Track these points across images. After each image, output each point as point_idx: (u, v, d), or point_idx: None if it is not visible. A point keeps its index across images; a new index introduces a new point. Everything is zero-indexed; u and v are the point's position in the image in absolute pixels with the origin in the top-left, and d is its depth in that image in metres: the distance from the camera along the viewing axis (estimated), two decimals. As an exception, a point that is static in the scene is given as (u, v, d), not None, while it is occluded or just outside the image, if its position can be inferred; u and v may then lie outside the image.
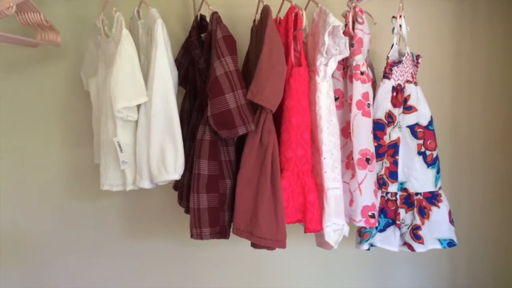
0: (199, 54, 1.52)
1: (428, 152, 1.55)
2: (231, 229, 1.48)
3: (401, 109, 1.53)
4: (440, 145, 1.59)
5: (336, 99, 1.49)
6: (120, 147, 1.45)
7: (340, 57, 1.40)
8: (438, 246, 1.57)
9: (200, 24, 1.60)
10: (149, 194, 1.76)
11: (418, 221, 1.54)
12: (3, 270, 1.96)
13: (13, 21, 1.53)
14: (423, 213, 1.55)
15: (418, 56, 1.56)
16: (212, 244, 1.55)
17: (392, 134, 1.53)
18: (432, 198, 1.56)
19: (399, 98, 1.52)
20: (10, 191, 1.93)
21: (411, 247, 1.56)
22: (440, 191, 1.58)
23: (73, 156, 1.90)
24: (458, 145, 1.92)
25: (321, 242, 1.49)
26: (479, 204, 1.96)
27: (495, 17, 1.86)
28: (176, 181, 1.68)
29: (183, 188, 1.60)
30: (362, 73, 1.45)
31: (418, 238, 1.54)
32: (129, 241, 1.97)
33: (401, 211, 1.57)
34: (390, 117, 1.52)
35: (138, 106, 1.45)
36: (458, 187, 1.93)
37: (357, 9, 1.49)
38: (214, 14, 1.43)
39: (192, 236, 1.44)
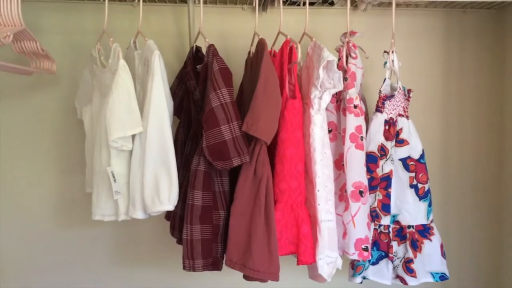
0: (195, 85, 1.53)
1: (420, 185, 1.56)
2: (223, 261, 1.47)
3: (393, 142, 1.55)
4: (431, 178, 1.60)
5: (329, 131, 1.51)
6: (113, 177, 1.44)
7: (334, 91, 1.42)
8: (430, 279, 1.57)
9: (195, 55, 1.62)
10: (141, 224, 1.74)
11: (410, 254, 1.54)
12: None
13: (6, 49, 1.53)
14: (416, 246, 1.55)
15: (409, 91, 1.59)
16: (204, 275, 1.53)
17: (384, 167, 1.54)
18: (424, 231, 1.57)
19: (392, 131, 1.54)
20: (0, 218, 1.89)
21: (403, 280, 1.56)
22: (432, 224, 1.58)
23: (65, 184, 1.89)
24: (448, 177, 1.95)
25: (314, 275, 1.48)
26: (469, 237, 1.97)
27: (482, 51, 1.92)
28: (169, 211, 1.67)
29: (176, 219, 1.59)
30: (355, 107, 1.47)
31: (410, 271, 1.54)
32: (120, 270, 1.94)
33: (394, 244, 1.57)
34: (382, 150, 1.53)
35: (133, 136, 1.44)
36: (448, 220, 1.94)
37: (350, 44, 1.52)
38: (211, 47, 1.45)
39: (184, 267, 1.42)
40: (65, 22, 1.83)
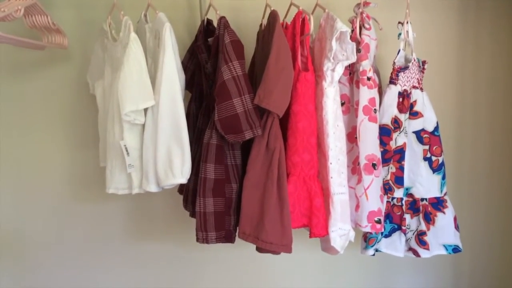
0: (206, 59, 1.53)
1: (434, 158, 1.55)
2: (236, 233, 1.49)
3: (407, 115, 1.53)
4: (445, 151, 1.59)
5: (342, 104, 1.50)
6: (127, 150, 1.45)
7: (347, 63, 1.40)
8: (443, 251, 1.57)
9: (206, 29, 1.60)
10: (154, 197, 1.76)
11: (423, 226, 1.55)
12: (3, 270, 1.96)
13: (19, 24, 1.52)
14: (429, 219, 1.55)
15: (424, 62, 1.56)
16: (217, 247, 1.55)
17: (398, 139, 1.53)
18: (438, 204, 1.57)
19: (405, 103, 1.52)
20: (16, 193, 1.93)
21: (416, 253, 1.56)
22: (446, 197, 1.58)
23: (79, 158, 1.91)
24: (462, 150, 1.93)
25: (327, 247, 1.49)
26: (483, 210, 1.96)
27: (498, 22, 1.87)
28: (182, 185, 1.68)
29: (189, 192, 1.60)
30: (368, 79, 1.45)
31: (423, 243, 1.54)
32: (133, 244, 1.97)
33: (407, 217, 1.57)
34: (396, 122, 1.52)
35: (145, 110, 1.45)
36: (462, 193, 1.93)
37: (364, 15, 1.49)
38: (222, 19, 1.44)
39: (198, 240, 1.44)
40: (75, -4, 1.82)
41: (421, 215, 1.56)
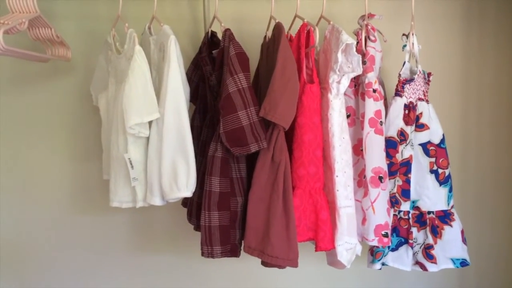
0: (210, 71, 1.52)
1: (440, 171, 1.54)
2: (242, 247, 1.47)
3: (413, 127, 1.52)
4: (450, 162, 1.57)
5: (348, 116, 1.49)
6: (131, 163, 1.43)
7: (352, 75, 1.39)
8: (451, 265, 1.55)
9: (211, 41, 1.60)
10: (158, 210, 1.73)
11: (430, 240, 1.53)
12: (5, 282, 1.94)
13: (22, 36, 1.52)
14: (436, 232, 1.53)
15: (429, 74, 1.55)
16: (222, 261, 1.52)
17: (404, 152, 1.52)
18: (445, 217, 1.55)
19: (411, 116, 1.51)
20: (18, 204, 1.92)
21: (423, 267, 1.54)
22: (453, 210, 1.56)
23: (82, 171, 1.90)
24: (468, 162, 1.92)
25: (333, 261, 1.47)
26: (489, 222, 1.94)
27: (502, 34, 1.87)
28: (186, 198, 1.66)
29: (193, 205, 1.59)
30: (374, 91, 1.44)
31: (430, 257, 1.52)
32: (137, 257, 1.95)
33: (414, 230, 1.55)
34: (402, 135, 1.51)
35: (150, 123, 1.44)
36: (468, 204, 1.91)
37: (369, 27, 1.49)
38: (227, 31, 1.43)
39: (203, 254, 1.42)
40: (79, 8, 1.81)
41: (428, 228, 1.54)
